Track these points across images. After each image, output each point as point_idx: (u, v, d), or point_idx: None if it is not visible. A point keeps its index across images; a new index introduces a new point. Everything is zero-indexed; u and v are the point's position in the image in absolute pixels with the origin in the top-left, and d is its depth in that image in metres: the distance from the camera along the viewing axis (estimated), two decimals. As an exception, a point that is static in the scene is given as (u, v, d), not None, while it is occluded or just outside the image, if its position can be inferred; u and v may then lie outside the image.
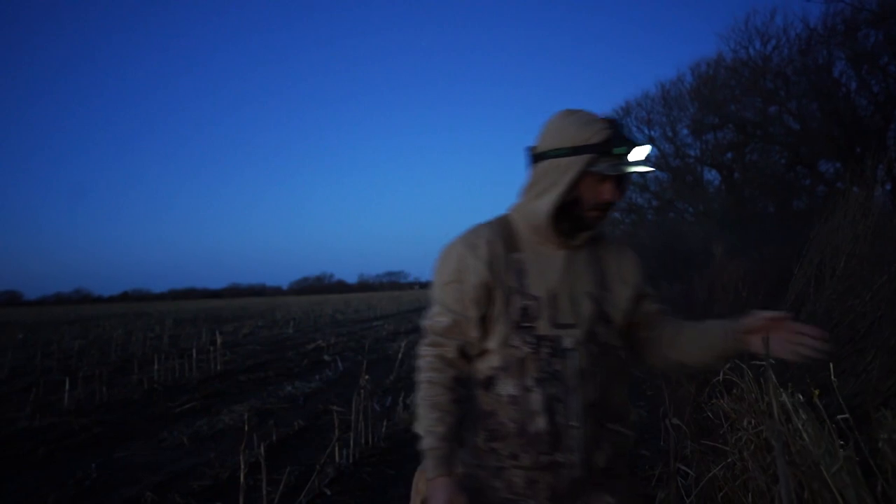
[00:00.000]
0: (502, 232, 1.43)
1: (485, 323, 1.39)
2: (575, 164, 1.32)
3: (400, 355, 7.63)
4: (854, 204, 2.02)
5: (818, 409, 0.92)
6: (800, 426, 0.91)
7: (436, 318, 1.42)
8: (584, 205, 1.35)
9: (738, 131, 16.90)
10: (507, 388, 1.35)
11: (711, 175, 19.80)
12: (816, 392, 0.93)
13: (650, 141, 25.54)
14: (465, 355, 1.42)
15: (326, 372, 8.50)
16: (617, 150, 1.30)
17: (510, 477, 1.34)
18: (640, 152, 1.32)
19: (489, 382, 1.38)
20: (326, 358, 9.79)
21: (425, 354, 1.42)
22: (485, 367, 1.40)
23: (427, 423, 1.34)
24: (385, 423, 4.99)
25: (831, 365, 1.61)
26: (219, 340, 9.33)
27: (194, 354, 8.46)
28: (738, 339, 1.35)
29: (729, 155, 18.35)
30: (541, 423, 1.33)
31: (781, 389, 0.99)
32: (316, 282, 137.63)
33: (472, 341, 1.40)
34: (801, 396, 1.00)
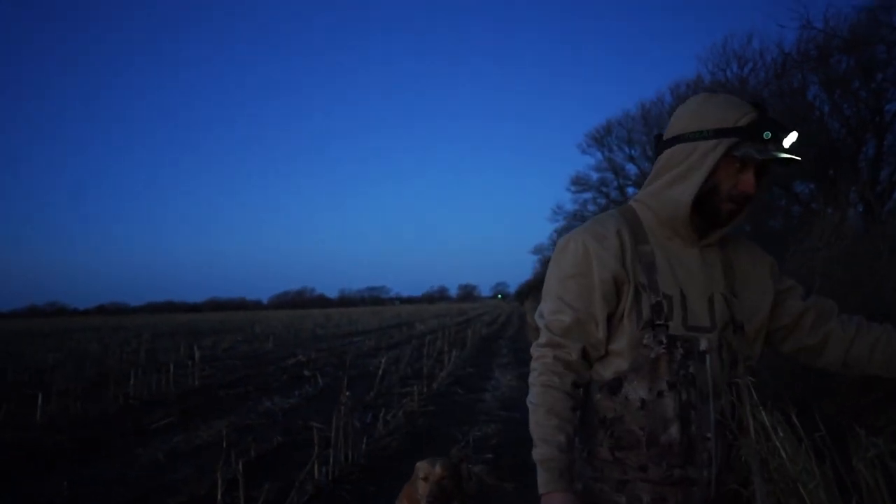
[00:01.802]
0: (629, 223, 1.30)
1: (610, 322, 1.26)
2: (719, 146, 1.19)
3: (380, 371, 7.58)
4: (828, 226, 2.07)
5: (796, 427, 0.94)
6: (778, 444, 0.93)
7: (555, 316, 1.26)
8: (721, 195, 1.23)
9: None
10: (636, 391, 1.22)
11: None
12: (794, 410, 0.95)
13: (630, 159, 25.87)
14: (587, 358, 1.27)
15: (306, 387, 8.42)
16: (766, 135, 1.17)
17: (635, 491, 1.21)
18: (790, 138, 1.19)
19: (615, 386, 1.25)
20: (306, 373, 9.71)
21: (542, 356, 1.26)
22: (609, 369, 1.26)
23: (543, 432, 1.19)
24: (365, 440, 4.95)
25: (809, 384, 1.64)
26: (197, 355, 9.22)
27: (172, 369, 8.34)
28: None
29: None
30: (673, 432, 1.20)
31: (760, 408, 1.01)
32: (296, 296, 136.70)
33: (596, 342, 1.25)
34: (780, 415, 1.02)
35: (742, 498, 1.15)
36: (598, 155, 27.27)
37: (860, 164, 12.78)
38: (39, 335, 25.32)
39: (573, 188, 29.08)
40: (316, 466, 4.14)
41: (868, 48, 10.87)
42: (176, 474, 4.42)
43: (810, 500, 0.86)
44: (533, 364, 1.27)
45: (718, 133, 1.19)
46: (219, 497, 2.95)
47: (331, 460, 4.33)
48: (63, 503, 3.91)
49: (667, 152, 1.27)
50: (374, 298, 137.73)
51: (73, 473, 4.54)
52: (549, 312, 1.28)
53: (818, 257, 1.96)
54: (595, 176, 28.00)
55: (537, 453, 1.18)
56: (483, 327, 21.10)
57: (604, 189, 27.91)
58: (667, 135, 1.29)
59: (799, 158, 1.19)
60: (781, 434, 0.95)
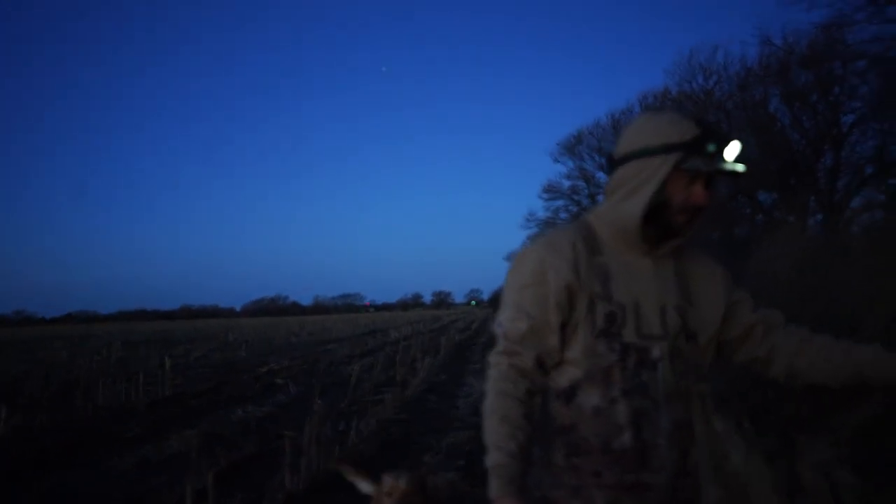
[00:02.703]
0: (584, 235, 1.34)
1: (564, 330, 1.29)
2: (666, 161, 1.24)
3: (353, 379, 7.58)
4: (787, 234, 2.18)
5: (747, 433, 1.00)
6: (731, 450, 0.99)
7: (512, 324, 1.29)
8: (673, 207, 1.28)
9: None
10: (590, 399, 1.26)
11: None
12: (746, 417, 1.01)
13: (601, 168, 26.16)
14: (542, 366, 1.30)
15: (279, 396, 8.38)
16: (710, 148, 1.23)
17: (590, 497, 1.23)
18: (733, 149, 1.25)
19: (570, 394, 1.28)
20: (279, 381, 9.65)
21: (498, 363, 1.29)
22: (564, 378, 1.29)
23: (496, 438, 1.20)
24: (338, 448, 4.96)
25: (766, 392, 1.72)
26: (168, 363, 9.10)
27: (142, 378, 8.21)
28: None
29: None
30: (626, 438, 1.23)
31: (712, 415, 1.07)
32: (270, 303, 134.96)
33: (551, 350, 1.28)
34: (732, 422, 1.08)
35: None
36: (570, 163, 27.59)
37: (819, 173, 13.18)
38: (4, 344, 24.63)
39: (545, 196, 29.31)
40: (287, 475, 4.14)
41: (825, 64, 11.25)
42: (146, 485, 4.39)
43: (759, 503, 0.91)
44: (489, 371, 1.31)
45: (666, 148, 1.25)
46: (190, 507, 2.94)
47: (302, 469, 4.33)
48: (31, 516, 3.85)
49: (619, 171, 1.33)
50: (348, 306, 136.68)
51: (39, 485, 4.47)
52: (506, 320, 1.32)
53: (778, 264, 2.05)
54: (566, 184, 28.25)
55: (489, 460, 1.20)
56: (457, 333, 21.14)
57: (575, 197, 28.19)
58: (617, 154, 1.35)
59: (744, 169, 1.26)
60: (736, 440, 1.01)
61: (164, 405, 7.75)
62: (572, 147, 26.90)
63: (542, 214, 29.75)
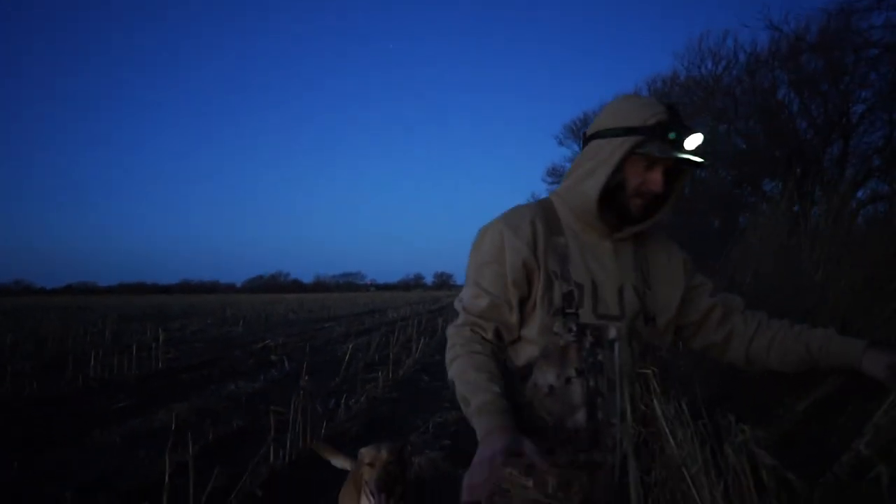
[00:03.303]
0: (545, 214, 1.35)
1: (523, 308, 1.30)
2: (624, 144, 1.24)
3: (347, 357, 7.59)
4: (765, 223, 2.14)
5: (684, 414, 0.99)
6: (667, 431, 0.98)
7: (472, 300, 1.31)
8: (629, 191, 1.28)
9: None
10: (545, 378, 1.26)
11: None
12: (685, 399, 0.99)
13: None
14: (501, 339, 1.31)
15: (272, 372, 8.39)
16: (671, 136, 1.23)
17: (543, 475, 1.20)
18: (693, 140, 1.24)
19: (526, 372, 1.29)
20: (273, 358, 9.67)
21: (460, 332, 1.30)
22: (521, 356, 1.30)
23: (476, 384, 1.18)
24: (325, 425, 4.97)
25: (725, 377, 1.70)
26: (161, 337, 9.13)
27: (135, 351, 8.24)
28: (853, 360, 1.25)
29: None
30: (580, 417, 1.24)
31: (655, 397, 1.05)
32: (270, 280, 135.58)
33: (510, 325, 1.29)
34: (677, 404, 1.06)
35: (646, 485, 1.15)
36: (575, 147, 27.40)
37: (825, 163, 13.05)
38: (0, 314, 24.78)
39: (549, 179, 29.19)
40: (272, 450, 4.15)
41: (836, 51, 11.08)
42: (131, 458, 4.39)
43: (693, 482, 0.91)
44: (452, 340, 1.31)
45: (627, 131, 1.24)
46: (166, 480, 2.94)
47: (288, 444, 4.34)
48: (11, 486, 3.86)
49: (584, 149, 1.33)
50: (348, 284, 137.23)
51: (26, 456, 4.48)
52: (466, 297, 1.33)
53: (753, 254, 2.02)
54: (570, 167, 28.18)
55: (473, 404, 1.16)
56: (455, 315, 21.15)
57: (579, 181, 28.11)
58: (588, 132, 1.34)
59: (702, 161, 1.24)
60: (673, 421, 0.99)
61: (156, 378, 7.77)
62: (577, 130, 26.73)
63: (545, 197, 29.69)
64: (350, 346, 8.15)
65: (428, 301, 38.40)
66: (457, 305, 1.36)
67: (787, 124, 13.30)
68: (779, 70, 12.99)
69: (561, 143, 28.23)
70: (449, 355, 1.29)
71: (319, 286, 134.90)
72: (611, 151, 1.26)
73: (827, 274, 1.60)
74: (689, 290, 1.40)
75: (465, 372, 1.22)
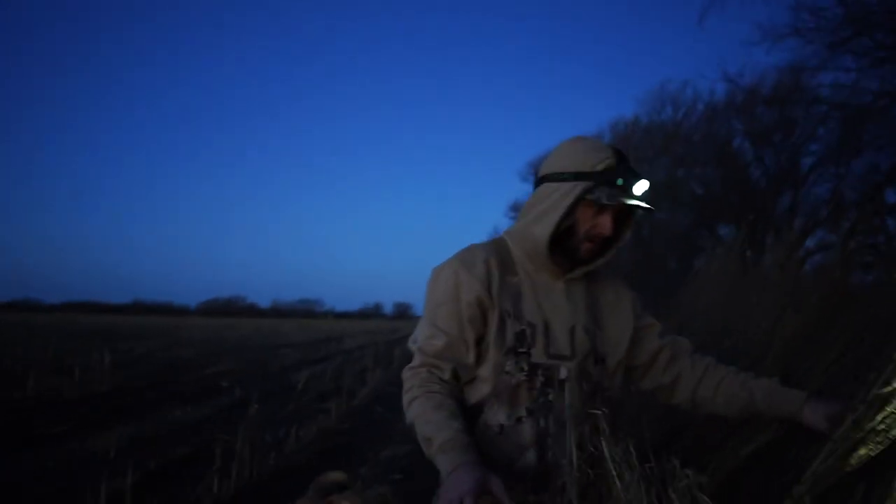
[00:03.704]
0: (499, 254, 1.35)
1: (479, 347, 1.31)
2: (574, 189, 1.26)
3: (300, 385, 7.44)
4: (713, 268, 2.22)
5: (631, 457, 0.99)
6: (615, 473, 0.98)
7: (428, 341, 1.31)
8: (579, 235, 1.30)
9: (649, 191, 17.93)
10: (496, 417, 1.26)
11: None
12: (632, 441, 1.00)
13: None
14: (458, 379, 1.31)
15: (222, 398, 8.15)
16: (619, 182, 1.25)
17: None
18: (641, 186, 1.27)
19: (476, 412, 1.29)
20: (224, 384, 9.40)
21: (417, 373, 1.30)
22: (474, 395, 1.30)
23: (437, 423, 1.18)
24: (274, 455, 4.83)
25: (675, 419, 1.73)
26: (107, 359, 8.79)
27: (77, 373, 7.91)
28: (795, 411, 1.28)
29: (639, 212, 19.41)
30: (530, 458, 1.24)
31: (602, 438, 1.06)
32: (226, 304, 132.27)
33: (466, 365, 1.30)
34: (627, 445, 1.07)
35: None
36: (538, 184, 27.94)
37: (777, 211, 13.57)
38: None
39: (511, 214, 29.56)
40: (216, 480, 4.01)
41: (788, 106, 11.62)
42: (63, 485, 4.17)
43: None
44: (409, 382, 1.30)
45: (577, 176, 1.27)
46: (100, 510, 2.80)
47: (233, 475, 4.19)
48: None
49: (536, 190, 1.35)
50: (306, 311, 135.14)
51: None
52: (422, 337, 1.33)
53: (704, 297, 2.08)
54: (534, 204, 28.63)
55: (436, 442, 1.15)
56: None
57: (541, 218, 28.54)
58: (539, 173, 1.36)
59: (650, 207, 1.28)
60: (620, 463, 1.00)
61: (98, 401, 7.46)
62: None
63: (499, 236, 30.05)
64: (305, 375, 8.01)
65: (386, 331, 38.04)
66: (411, 346, 1.36)
67: (742, 172, 13.84)
68: (734, 120, 13.56)
69: (524, 180, 28.66)
70: (407, 397, 1.28)
71: (276, 311, 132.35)
72: (561, 196, 1.27)
73: (773, 321, 1.65)
74: (638, 331, 1.43)
75: (424, 412, 1.22)
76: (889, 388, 1.09)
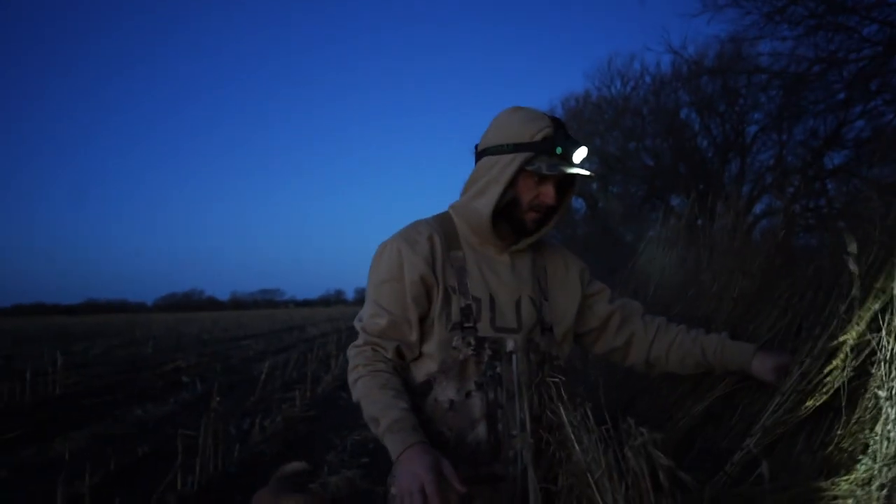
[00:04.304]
0: (442, 229, 1.35)
1: (423, 325, 1.30)
2: (514, 161, 1.25)
3: (263, 376, 7.35)
4: (663, 235, 2.27)
5: (589, 421, 1.02)
6: (572, 436, 1.00)
7: (371, 319, 1.31)
8: (523, 206, 1.29)
9: (602, 164, 18.20)
10: (445, 392, 1.26)
11: (578, 203, 21.10)
12: (589, 405, 1.03)
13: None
14: (402, 357, 1.32)
15: (183, 394, 8.01)
16: (558, 150, 1.24)
17: (446, 494, 1.17)
18: (580, 154, 1.27)
19: (426, 388, 1.29)
20: (185, 379, 9.23)
21: (362, 351, 1.30)
22: (421, 372, 1.30)
23: (383, 403, 1.19)
24: (238, 448, 4.77)
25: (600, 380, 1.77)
26: (59, 360, 8.51)
27: (28, 377, 7.64)
28: (744, 363, 1.33)
29: (594, 186, 19.69)
30: (481, 431, 1.25)
31: (560, 405, 1.08)
32: (184, 298, 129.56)
33: (410, 343, 1.30)
34: (585, 410, 1.09)
35: (550, 494, 1.17)
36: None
37: (725, 180, 13.93)
38: None
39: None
40: (179, 476, 3.94)
41: (731, 75, 11.89)
42: (19, 492, 4.05)
43: (597, 486, 0.94)
44: (354, 361, 1.30)
45: (516, 147, 1.27)
46: (59, 514, 2.73)
47: (197, 469, 4.13)
48: None
49: (477, 164, 1.35)
50: (267, 301, 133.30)
51: None
52: (366, 316, 1.32)
53: (655, 265, 2.13)
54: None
55: (384, 423, 1.16)
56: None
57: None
58: (479, 147, 1.36)
59: (589, 174, 1.28)
60: (578, 426, 1.02)
61: (53, 405, 7.23)
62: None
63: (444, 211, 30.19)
64: (267, 365, 7.91)
65: (349, 317, 37.84)
66: (356, 325, 1.35)
67: (690, 143, 14.14)
68: (681, 91, 13.81)
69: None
70: (352, 376, 1.28)
71: (236, 303, 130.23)
72: (501, 169, 1.27)
73: (721, 284, 1.70)
74: (587, 298, 1.45)
75: (370, 392, 1.22)
76: (834, 343, 1.13)
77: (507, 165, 1.27)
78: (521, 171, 1.27)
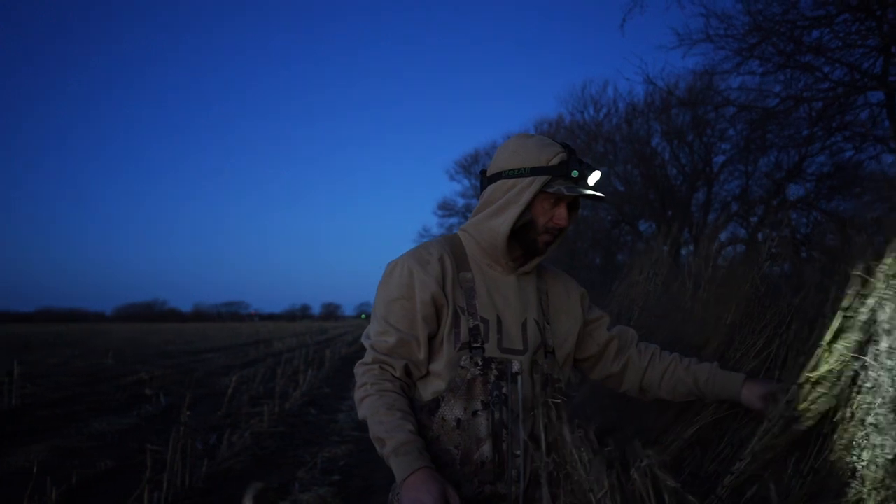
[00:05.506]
0: (452, 250, 1.38)
1: (431, 344, 1.32)
2: (534, 183, 1.30)
3: (230, 390, 7.22)
4: (647, 261, 2.34)
5: (592, 442, 1.04)
6: (576, 458, 1.03)
7: (381, 338, 1.32)
8: (538, 227, 1.33)
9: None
10: (453, 411, 1.28)
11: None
12: (593, 428, 1.05)
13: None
14: (410, 375, 1.33)
15: (146, 407, 7.80)
16: (574, 174, 1.30)
17: None
18: (595, 177, 1.33)
19: (433, 406, 1.31)
20: (148, 392, 9.00)
21: (369, 370, 1.31)
22: (429, 390, 1.32)
23: (390, 424, 1.20)
24: (206, 463, 4.68)
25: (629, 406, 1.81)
26: (16, 370, 8.22)
27: (-17, 387, 7.38)
28: (734, 392, 1.38)
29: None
30: (486, 450, 1.27)
31: (564, 425, 1.11)
32: (145, 308, 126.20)
33: (418, 362, 1.31)
34: (584, 433, 1.12)
35: None
36: (465, 182, 28.30)
37: (692, 207, 14.28)
38: None
39: (440, 212, 29.87)
40: (146, 492, 3.84)
41: (700, 107, 12.26)
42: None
43: None
44: (362, 379, 1.31)
45: (533, 171, 1.32)
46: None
47: (165, 485, 4.04)
48: None
49: (490, 187, 1.38)
50: (231, 314, 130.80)
51: None
52: (375, 334, 1.34)
53: (637, 290, 2.18)
54: (461, 202, 28.99)
55: (390, 444, 1.18)
56: (343, 347, 20.78)
57: (468, 215, 28.86)
58: (490, 171, 1.40)
59: (603, 196, 1.35)
60: (582, 448, 1.05)
61: (9, 417, 6.98)
62: (469, 166, 27.63)
63: (436, 231, 30.31)
64: (233, 379, 7.78)
65: (315, 332, 37.44)
66: (364, 342, 1.37)
67: (660, 170, 14.48)
68: (653, 121, 14.17)
69: (452, 178, 29.02)
70: (359, 394, 1.29)
71: (199, 315, 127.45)
72: (520, 191, 1.32)
73: (705, 311, 1.76)
74: (588, 325, 1.50)
75: (377, 412, 1.24)
76: (817, 373, 1.19)
77: (526, 187, 1.31)
78: (538, 193, 1.32)
